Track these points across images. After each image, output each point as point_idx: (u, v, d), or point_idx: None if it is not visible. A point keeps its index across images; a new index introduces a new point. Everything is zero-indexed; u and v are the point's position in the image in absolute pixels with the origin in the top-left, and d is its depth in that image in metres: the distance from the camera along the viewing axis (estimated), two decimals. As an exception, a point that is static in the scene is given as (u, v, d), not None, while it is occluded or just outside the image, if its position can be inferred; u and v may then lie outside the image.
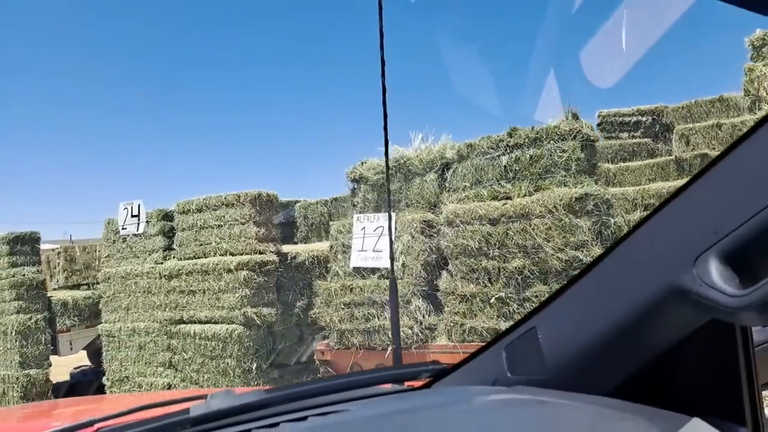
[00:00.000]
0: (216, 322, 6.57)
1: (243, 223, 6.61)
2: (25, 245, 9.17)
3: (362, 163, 6.06)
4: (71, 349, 9.36)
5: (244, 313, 6.31)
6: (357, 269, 5.67)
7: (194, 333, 6.72)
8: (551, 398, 0.93)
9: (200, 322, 6.73)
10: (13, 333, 8.67)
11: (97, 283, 14.86)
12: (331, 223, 6.61)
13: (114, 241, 7.90)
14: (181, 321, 6.94)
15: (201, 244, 6.96)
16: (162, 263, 7.28)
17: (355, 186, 6.17)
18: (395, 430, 0.92)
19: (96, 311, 9.66)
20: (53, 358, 9.23)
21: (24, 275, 8.92)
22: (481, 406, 0.98)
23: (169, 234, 7.43)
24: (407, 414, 0.98)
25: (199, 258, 6.92)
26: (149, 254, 7.48)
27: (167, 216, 7.46)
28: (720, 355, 0.89)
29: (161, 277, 7.19)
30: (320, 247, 7.25)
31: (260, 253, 6.53)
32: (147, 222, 7.50)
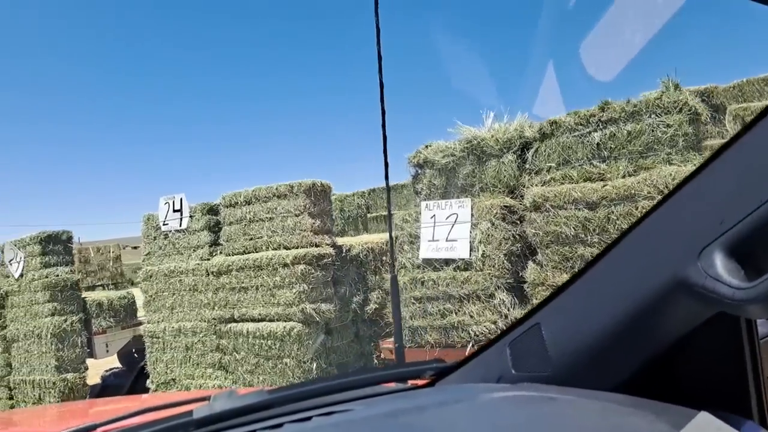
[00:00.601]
0: (271, 320, 6.20)
1: (297, 215, 6.22)
2: (58, 245, 8.83)
3: (426, 147, 5.64)
4: (107, 351, 9.03)
5: (302, 309, 5.93)
6: (428, 261, 5.27)
7: (247, 332, 6.35)
8: (557, 394, 0.92)
9: (253, 320, 6.36)
10: (49, 336, 8.35)
11: (112, 284, 14.66)
12: (374, 214, 6.20)
13: (155, 237, 7.53)
14: (232, 319, 6.57)
15: (251, 238, 6.58)
16: (209, 259, 6.91)
17: (419, 171, 5.76)
18: (400, 429, 0.91)
19: (131, 312, 9.36)
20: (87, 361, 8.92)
21: (57, 275, 8.58)
22: (487, 403, 0.97)
23: (214, 229, 7.06)
24: (412, 413, 0.97)
25: (249, 253, 6.54)
26: (194, 250, 7.11)
27: (212, 210, 7.07)
28: (725, 348, 0.89)
29: (209, 274, 6.82)
30: (374, 239, 6.85)
31: (316, 245, 6.14)
32: (190, 217, 7.12)
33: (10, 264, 9.09)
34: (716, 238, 0.76)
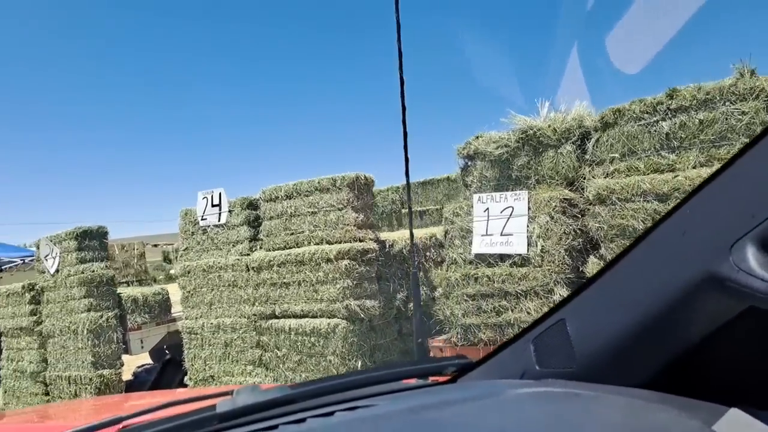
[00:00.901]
0: (314, 316, 6.07)
1: (340, 209, 6.08)
2: (93, 240, 8.81)
3: (477, 137, 5.46)
4: (142, 347, 8.99)
5: (346, 306, 5.79)
6: (481, 256, 5.09)
7: (289, 328, 6.23)
8: (583, 390, 0.92)
9: (296, 316, 6.24)
10: (85, 332, 8.33)
11: (137, 281, 14.70)
12: (441, 206, 6.03)
13: (192, 232, 7.45)
14: (273, 315, 6.46)
15: (292, 233, 6.46)
16: (248, 255, 6.81)
17: (468, 163, 5.58)
18: (423, 424, 0.91)
19: (166, 308, 9.32)
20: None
21: (93, 271, 8.56)
22: (512, 399, 0.96)
23: (254, 224, 6.95)
24: (435, 408, 0.96)
25: (290, 248, 6.42)
26: (233, 246, 7.01)
27: (251, 205, 6.97)
28: (757, 343, 0.88)
29: (248, 270, 6.72)
30: (417, 234, 6.69)
31: (360, 240, 5.99)
32: (230, 212, 7.02)
33: (46, 260, 9.10)
34: (748, 232, 0.75)
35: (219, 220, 7.09)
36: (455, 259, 5.27)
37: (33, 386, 9.19)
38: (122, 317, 8.70)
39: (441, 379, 1.21)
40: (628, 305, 0.91)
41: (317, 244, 6.21)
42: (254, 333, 6.69)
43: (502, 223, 4.97)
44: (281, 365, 6.40)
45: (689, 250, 0.82)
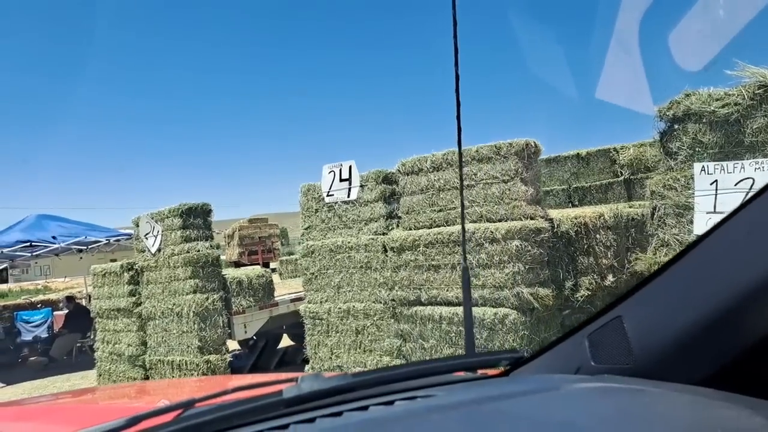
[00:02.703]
0: (474, 305, 5.30)
1: (505, 181, 5.27)
2: (198, 218, 8.30)
3: (688, 95, 4.54)
4: (245, 332, 8.48)
5: (517, 293, 5.00)
6: (704, 236, 4.19)
7: (440, 317, 5.49)
8: (643, 386, 0.91)
9: (448, 303, 5.49)
10: (191, 315, 7.84)
11: (234, 263, 14.29)
12: (647, 177, 5.15)
13: (316, 210, 6.80)
14: (418, 302, 5.73)
15: (440, 210, 5.70)
16: (385, 234, 6.10)
17: (675, 126, 4.68)
18: (487, 416, 0.90)
19: (269, 291, 8.77)
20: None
21: (199, 251, 8.06)
22: (570, 393, 0.95)
23: (389, 199, 6.23)
24: (493, 401, 0.96)
25: (438, 226, 5.67)
26: (365, 224, 6.32)
27: (386, 179, 6.25)
28: None
29: (386, 250, 6.01)
30: (586, 212, 5.83)
31: (531, 218, 5.18)
32: (361, 186, 6.32)
33: (146, 238, 8.66)
34: None
35: (348, 196, 6.41)
36: (668, 241, 4.40)
37: (131, 370, 8.80)
38: (227, 300, 8.18)
39: (492, 372, 1.21)
40: (690, 303, 0.90)
41: (474, 221, 5.43)
42: (392, 320, 5.99)
43: (737, 198, 4.07)
44: (428, 358, 5.67)
45: (754, 248, 0.83)
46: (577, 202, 8.61)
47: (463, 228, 2.27)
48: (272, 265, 19.36)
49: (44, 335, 12.81)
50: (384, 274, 6.02)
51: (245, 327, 8.42)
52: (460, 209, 5.43)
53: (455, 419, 0.90)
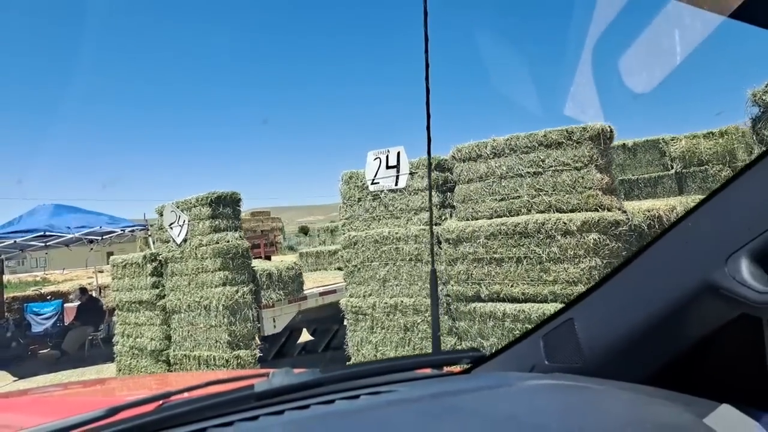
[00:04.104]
0: (543, 301, 4.93)
1: (578, 169, 4.89)
2: (227, 207, 7.89)
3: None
4: (275, 326, 8.08)
5: (593, 289, 4.62)
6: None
7: (503, 314, 5.12)
8: (589, 384, 0.99)
9: (513, 300, 5.11)
10: (220, 308, 7.45)
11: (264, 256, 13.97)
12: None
13: (359, 198, 6.40)
14: (477, 298, 5.35)
15: (502, 199, 5.31)
16: (438, 224, 5.71)
17: (774, 111, 4.30)
18: (443, 409, 0.95)
19: (299, 285, 8.39)
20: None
21: (228, 241, 7.66)
22: (523, 390, 1.02)
23: (442, 188, 5.84)
24: (453, 395, 1.01)
25: (500, 216, 5.28)
26: (415, 213, 5.93)
27: (439, 166, 5.85)
28: (748, 347, 0.94)
29: (440, 242, 5.63)
30: (658, 204, 5.45)
31: (608, 209, 4.80)
32: (411, 174, 5.93)
33: (171, 228, 8.26)
34: (744, 245, 0.83)
35: (396, 184, 6.02)
36: None
37: (154, 365, 8.41)
38: (256, 293, 7.80)
39: (455, 369, 1.28)
40: (632, 307, 0.98)
41: (541, 212, 5.05)
42: (446, 317, 5.62)
43: None
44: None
45: (689, 259, 0.91)
46: (623, 196, 8.24)
47: (431, 228, 2.26)
48: (273, 258, 19.00)
49: (55, 328, 12.42)
50: (438, 267, 5.64)
51: (274, 321, 8.03)
52: (519, 198, 5.03)
53: (413, 412, 0.95)
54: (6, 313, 13.14)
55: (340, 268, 11.35)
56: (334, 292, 8.65)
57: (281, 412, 0.96)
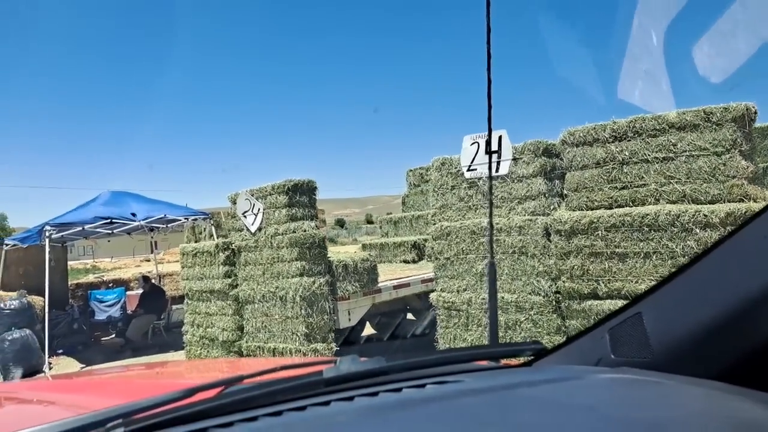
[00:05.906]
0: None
1: (719, 154, 4.39)
2: (303, 195, 7.64)
3: None
4: (349, 320, 7.81)
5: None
6: None
7: (626, 314, 4.67)
8: (660, 379, 0.96)
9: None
10: (297, 299, 7.21)
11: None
12: None
13: (452, 186, 6.03)
14: (594, 295, 4.92)
15: (624, 187, 4.85)
16: (547, 214, 5.29)
17: None
18: (508, 401, 0.95)
19: (374, 277, 8.08)
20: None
21: (305, 231, 7.41)
22: (591, 383, 1.01)
23: (550, 175, 5.42)
24: (518, 388, 1.01)
25: (621, 206, 4.83)
26: (519, 202, 5.52)
27: (547, 151, 5.42)
28: None
29: (548, 234, 5.21)
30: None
31: (753, 200, 4.29)
32: (515, 159, 5.52)
33: (245, 216, 8.06)
34: None
35: (497, 171, 5.61)
36: None
37: (225, 356, 8.27)
38: (332, 285, 7.53)
39: (514, 362, 1.27)
40: (706, 301, 0.95)
41: (672, 202, 4.57)
42: (554, 315, 5.20)
43: None
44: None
45: (762, 258, 0.88)
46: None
47: (491, 221, 2.28)
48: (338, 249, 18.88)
49: (118, 315, 12.51)
50: (545, 261, 5.23)
51: (349, 314, 7.76)
52: (644, 186, 4.56)
53: (485, 402, 0.95)
54: (71, 300, 13.32)
55: (406, 261, 11.06)
56: (408, 285, 8.34)
57: (351, 398, 0.97)
